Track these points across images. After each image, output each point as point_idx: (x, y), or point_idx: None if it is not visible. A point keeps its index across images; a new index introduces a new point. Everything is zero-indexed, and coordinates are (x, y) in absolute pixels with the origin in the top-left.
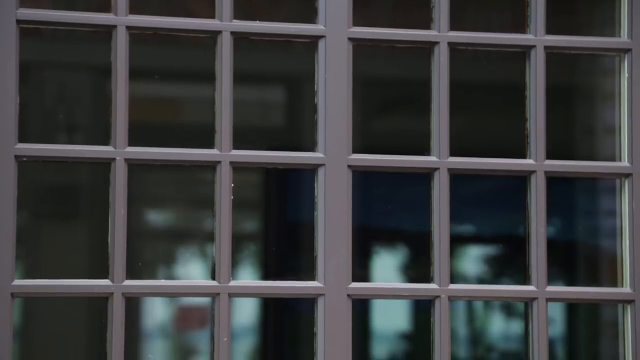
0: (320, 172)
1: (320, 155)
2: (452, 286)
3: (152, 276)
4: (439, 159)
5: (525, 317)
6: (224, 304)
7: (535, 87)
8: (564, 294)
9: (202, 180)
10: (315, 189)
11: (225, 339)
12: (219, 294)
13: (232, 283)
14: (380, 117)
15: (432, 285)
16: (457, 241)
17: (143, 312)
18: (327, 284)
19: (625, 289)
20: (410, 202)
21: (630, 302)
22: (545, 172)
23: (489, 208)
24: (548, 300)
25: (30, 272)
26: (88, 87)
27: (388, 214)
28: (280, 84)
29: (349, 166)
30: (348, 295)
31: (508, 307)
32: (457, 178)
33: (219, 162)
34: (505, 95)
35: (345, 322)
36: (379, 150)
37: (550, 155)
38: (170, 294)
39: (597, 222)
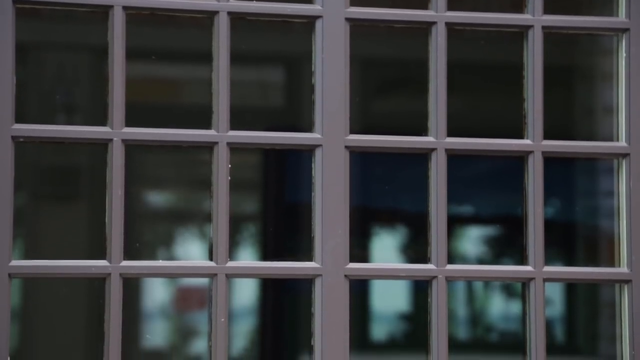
0: (318, 152)
1: (318, 135)
2: (450, 266)
3: (151, 257)
4: (437, 140)
5: (523, 297)
6: (222, 284)
7: (533, 67)
8: (561, 274)
9: (201, 161)
10: (313, 170)
11: (223, 320)
12: (216, 274)
13: (230, 264)
14: (378, 97)
15: (429, 266)
16: (457, 222)
17: (143, 293)
18: (325, 264)
19: (623, 269)
20: (409, 182)
21: (628, 282)
22: (543, 153)
23: (489, 189)
24: (545, 280)
25: (29, 253)
26: (86, 67)
27: (388, 195)
28: (279, 64)
29: (346, 147)
30: (345, 275)
31: (508, 288)
32: (457, 159)
33: (216, 142)
34: (503, 75)
35: (342, 302)
36: (377, 131)
37: (548, 136)
38: (168, 275)
39: (595, 202)
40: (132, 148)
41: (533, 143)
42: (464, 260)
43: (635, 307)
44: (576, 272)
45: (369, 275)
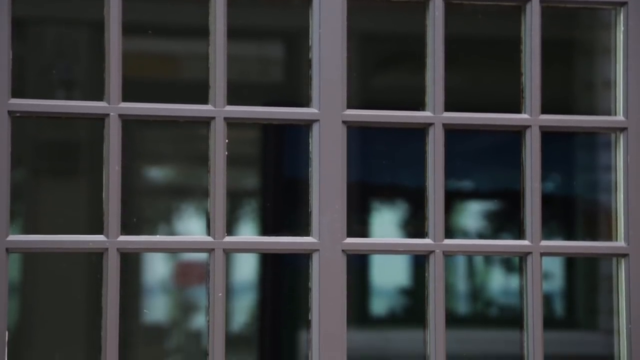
0: (315, 127)
1: (315, 110)
2: (447, 241)
3: (151, 233)
4: (434, 114)
5: (520, 271)
6: (219, 259)
7: (531, 41)
8: (558, 248)
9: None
10: (310, 145)
11: (220, 294)
12: (213, 249)
13: (227, 239)
14: (377, 73)
15: (426, 241)
16: (457, 197)
17: (143, 268)
18: (322, 239)
19: (620, 243)
20: (410, 158)
21: (625, 256)
22: (540, 127)
23: (489, 164)
24: (542, 254)
25: (28, 229)
26: (85, 42)
27: (388, 171)
28: (278, 39)
29: (343, 122)
30: (342, 250)
31: (507, 263)
32: (457, 134)
33: (213, 117)
34: (501, 50)
35: (339, 277)
36: (377, 106)
37: (548, 111)
38: (165, 250)
39: (595, 177)
40: (131, 123)
41: (530, 117)
42: (464, 235)
43: (632, 281)
44: (573, 246)
45: (366, 250)
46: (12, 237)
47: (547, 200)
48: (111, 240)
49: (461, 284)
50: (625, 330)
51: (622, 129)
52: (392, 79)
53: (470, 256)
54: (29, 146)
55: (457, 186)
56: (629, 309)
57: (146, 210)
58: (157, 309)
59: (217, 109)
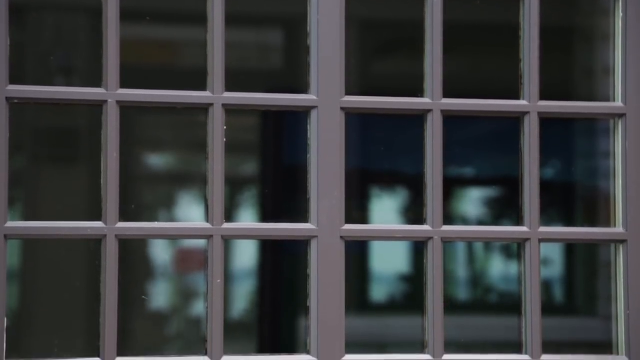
0: (313, 114)
1: (313, 97)
2: (445, 227)
3: (150, 219)
4: (432, 101)
5: (519, 257)
6: (217, 245)
7: (529, 27)
8: (556, 234)
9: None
10: (308, 131)
11: (219, 280)
12: (212, 235)
13: (225, 225)
14: (377, 59)
15: (424, 227)
16: (458, 183)
17: (143, 255)
18: (320, 225)
19: (618, 228)
20: (410, 144)
21: (623, 241)
22: (539, 113)
23: (490, 150)
24: (540, 240)
25: (28, 215)
26: (85, 29)
27: (388, 157)
28: (277, 26)
29: (341, 108)
30: (341, 237)
31: (507, 249)
32: (457, 121)
33: (211, 104)
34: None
35: (338, 263)
36: (377, 92)
37: (548, 97)
38: (164, 236)
39: (594, 163)
40: (131, 110)
41: (529, 103)
42: (464, 221)
43: (630, 266)
44: (571, 232)
45: (364, 237)
46: (10, 224)
47: (547, 187)
48: (109, 226)
49: (461, 271)
50: (623, 316)
51: (621, 115)
52: (390, 66)
53: (470, 243)
54: (28, 133)
55: (457, 173)
56: (627, 295)
57: (146, 197)
58: (157, 295)
59: (215, 95)
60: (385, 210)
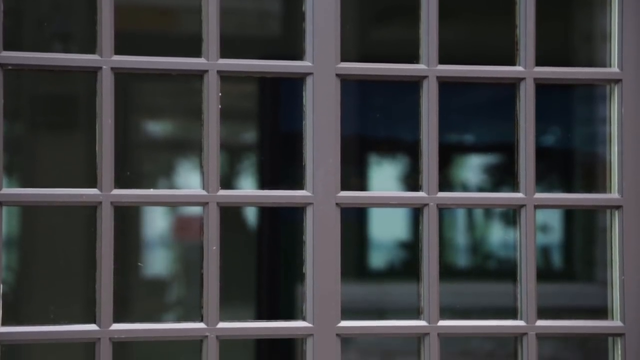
0: (309, 80)
1: (308, 63)
2: (441, 194)
3: (149, 187)
4: (428, 67)
5: (515, 224)
6: (213, 213)
7: None
8: (552, 200)
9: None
10: (304, 98)
11: (214, 248)
12: (207, 203)
13: (221, 192)
14: (376, 26)
15: (420, 194)
16: (458, 151)
17: (142, 223)
18: (316, 192)
19: (614, 194)
20: (409, 111)
21: (618, 207)
22: (535, 79)
23: (489, 118)
24: (536, 207)
25: (27, 182)
26: None
27: (388, 124)
28: None
29: (337, 75)
30: (336, 204)
31: (507, 216)
32: (456, 88)
33: (206, 71)
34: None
35: (334, 230)
36: (375, 59)
37: (542, 63)
38: (159, 203)
39: (591, 129)
40: (129, 77)
41: (525, 70)
42: (464, 188)
43: (625, 232)
44: (567, 199)
45: (360, 204)
46: (6, 191)
47: (546, 154)
48: (104, 193)
49: (461, 238)
50: (618, 281)
51: (617, 81)
52: (392, 32)
53: (469, 210)
54: (27, 100)
55: (457, 140)
56: (623, 261)
57: (142, 164)
58: (156, 263)
59: (210, 62)
60: (386, 177)
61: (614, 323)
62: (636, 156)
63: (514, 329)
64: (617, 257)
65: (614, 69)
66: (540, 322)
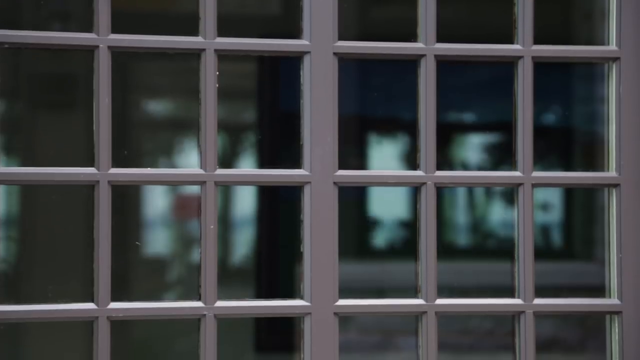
0: (306, 59)
1: (306, 42)
2: (439, 173)
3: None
4: (426, 46)
5: (513, 203)
6: (211, 191)
7: None
8: (550, 179)
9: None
10: (301, 77)
11: (212, 227)
12: (205, 182)
13: (219, 171)
14: (375, 4)
15: (417, 172)
16: (458, 130)
17: (142, 202)
18: (313, 171)
19: (612, 173)
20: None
21: (616, 186)
22: (533, 58)
23: (490, 96)
24: (534, 185)
25: (27, 161)
26: None
27: (389, 103)
28: None
29: (334, 53)
30: (334, 182)
31: (507, 195)
32: (459, 67)
33: (204, 49)
34: None
35: (331, 209)
36: (375, 38)
37: (541, 42)
38: (157, 182)
39: (591, 108)
40: (129, 56)
41: (522, 48)
42: (464, 167)
43: (623, 211)
44: (565, 177)
45: (357, 182)
46: (3, 169)
47: (544, 133)
48: (102, 172)
49: (461, 217)
50: (616, 260)
51: (615, 59)
52: (392, 11)
53: (470, 189)
54: (25, 79)
55: (457, 119)
56: (620, 239)
57: (142, 144)
58: (156, 241)
59: (208, 40)
60: (386, 157)
61: (611, 301)
62: (634, 134)
63: (511, 307)
64: (614, 236)
65: (612, 47)
66: (538, 301)
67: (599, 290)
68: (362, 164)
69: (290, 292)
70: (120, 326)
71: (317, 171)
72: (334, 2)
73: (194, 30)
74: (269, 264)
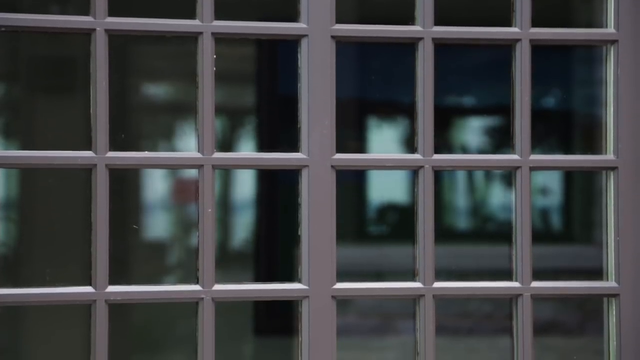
0: (303, 42)
1: (303, 25)
2: (436, 156)
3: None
4: (423, 29)
5: (511, 186)
6: (208, 175)
7: None
8: (548, 162)
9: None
10: (299, 60)
11: (210, 210)
12: (202, 165)
13: (216, 155)
14: None
15: (415, 156)
16: (459, 113)
17: (141, 185)
18: (311, 155)
19: (609, 156)
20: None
21: (614, 169)
22: (530, 40)
23: (490, 80)
24: (532, 169)
25: (26, 145)
26: None
27: (388, 87)
28: None
29: (332, 36)
30: (332, 166)
31: (507, 179)
32: (458, 50)
33: (201, 32)
34: None
35: (329, 193)
36: (373, 21)
37: (539, 24)
38: (155, 166)
39: (587, 91)
40: (128, 40)
41: (520, 31)
42: (464, 151)
43: (620, 194)
44: (562, 160)
45: (355, 166)
46: (1, 153)
47: (543, 116)
48: (99, 156)
49: (461, 200)
50: (613, 242)
51: (613, 42)
52: None
53: (470, 173)
54: (24, 62)
55: (456, 102)
56: (618, 222)
57: (140, 127)
58: (155, 225)
59: (205, 23)
60: (386, 140)
61: (609, 284)
62: (632, 117)
63: (508, 290)
64: (612, 218)
65: (610, 29)
66: (535, 283)
67: (598, 273)
68: (361, 148)
69: (290, 275)
70: (119, 310)
71: (315, 154)
72: None
73: (191, 14)
74: (268, 247)
